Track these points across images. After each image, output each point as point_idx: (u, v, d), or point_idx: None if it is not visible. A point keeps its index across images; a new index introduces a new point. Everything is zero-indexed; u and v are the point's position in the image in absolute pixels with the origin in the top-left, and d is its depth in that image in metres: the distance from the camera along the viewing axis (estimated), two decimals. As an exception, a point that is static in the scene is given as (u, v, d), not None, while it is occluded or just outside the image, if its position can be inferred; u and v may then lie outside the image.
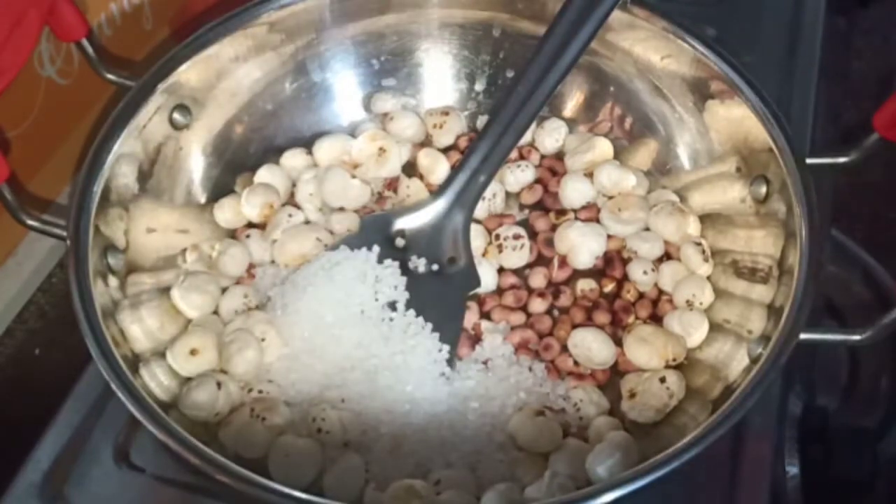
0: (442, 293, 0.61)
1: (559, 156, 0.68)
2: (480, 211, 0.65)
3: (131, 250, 0.59)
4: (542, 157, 0.69)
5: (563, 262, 0.63)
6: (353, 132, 0.69)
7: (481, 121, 0.70)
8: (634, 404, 0.56)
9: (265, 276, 0.62)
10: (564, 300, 0.62)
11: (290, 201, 0.66)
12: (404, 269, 0.61)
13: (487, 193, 0.65)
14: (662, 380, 0.56)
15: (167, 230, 0.62)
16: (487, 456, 0.55)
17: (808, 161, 0.57)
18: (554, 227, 0.65)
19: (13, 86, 0.53)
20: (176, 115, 0.62)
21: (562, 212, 0.65)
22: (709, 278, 0.61)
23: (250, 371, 0.57)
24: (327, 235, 0.64)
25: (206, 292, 0.60)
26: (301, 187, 0.66)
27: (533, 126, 0.67)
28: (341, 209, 0.65)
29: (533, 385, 0.58)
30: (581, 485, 0.52)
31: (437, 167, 0.67)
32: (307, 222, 0.65)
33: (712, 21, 0.68)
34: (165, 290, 0.60)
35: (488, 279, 0.62)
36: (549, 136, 0.68)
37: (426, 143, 0.70)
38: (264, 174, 0.66)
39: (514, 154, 0.67)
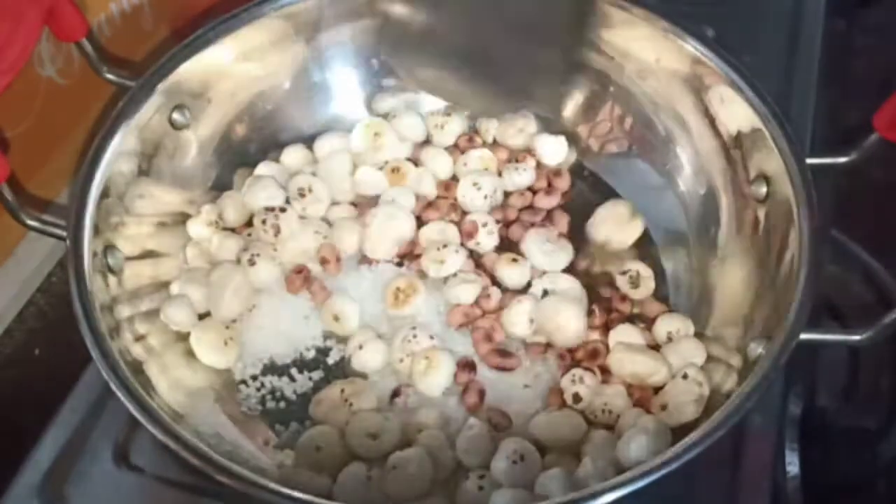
0: None
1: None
2: (484, 206, 0.66)
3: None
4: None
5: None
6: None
7: (481, 122, 0.71)
8: (671, 412, 0.55)
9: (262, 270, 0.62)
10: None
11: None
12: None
13: (488, 190, 0.66)
14: (685, 377, 0.56)
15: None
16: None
17: (808, 161, 0.57)
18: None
19: (13, 86, 0.53)
20: (175, 115, 0.62)
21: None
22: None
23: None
24: (325, 227, 0.64)
25: (205, 285, 0.60)
26: (299, 180, 0.65)
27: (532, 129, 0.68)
28: (337, 203, 0.66)
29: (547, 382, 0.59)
30: (618, 471, 0.51)
31: (437, 163, 0.68)
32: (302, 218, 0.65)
33: (712, 21, 0.68)
34: (164, 286, 0.60)
35: (468, 294, 0.62)
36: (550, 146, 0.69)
37: (427, 142, 0.70)
38: (263, 169, 0.66)
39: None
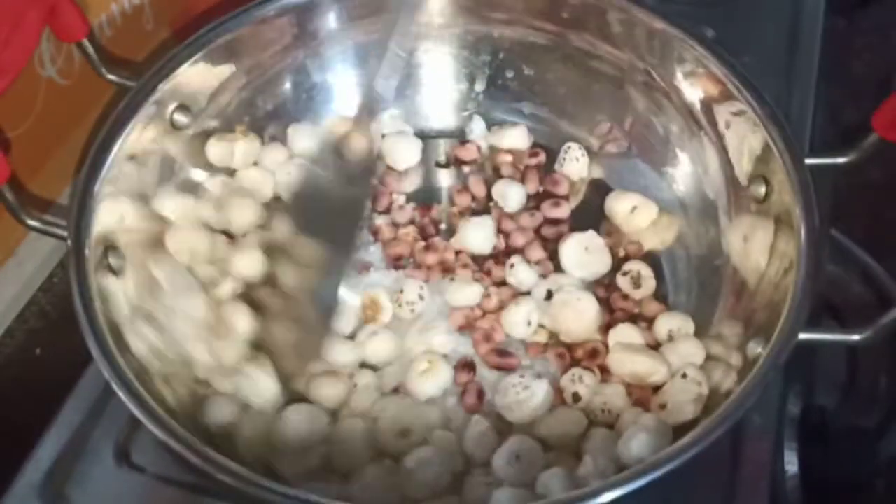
0: None
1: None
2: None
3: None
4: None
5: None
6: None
7: (478, 121, 0.71)
8: (670, 411, 0.55)
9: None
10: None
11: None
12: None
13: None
14: (684, 376, 0.56)
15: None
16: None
17: (808, 161, 0.57)
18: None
19: (14, 86, 0.53)
20: (177, 116, 0.62)
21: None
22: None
23: None
24: None
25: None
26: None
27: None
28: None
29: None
30: (619, 469, 0.51)
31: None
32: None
33: (711, 21, 0.68)
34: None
35: (473, 294, 0.62)
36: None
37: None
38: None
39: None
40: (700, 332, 0.60)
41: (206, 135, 0.65)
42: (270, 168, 0.66)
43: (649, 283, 0.63)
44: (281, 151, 0.67)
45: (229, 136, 0.65)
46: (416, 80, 0.71)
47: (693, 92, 0.63)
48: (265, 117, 0.68)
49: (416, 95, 0.71)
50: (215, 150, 0.65)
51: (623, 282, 0.63)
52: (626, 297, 0.63)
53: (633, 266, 0.64)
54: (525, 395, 0.57)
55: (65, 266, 0.55)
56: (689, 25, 0.62)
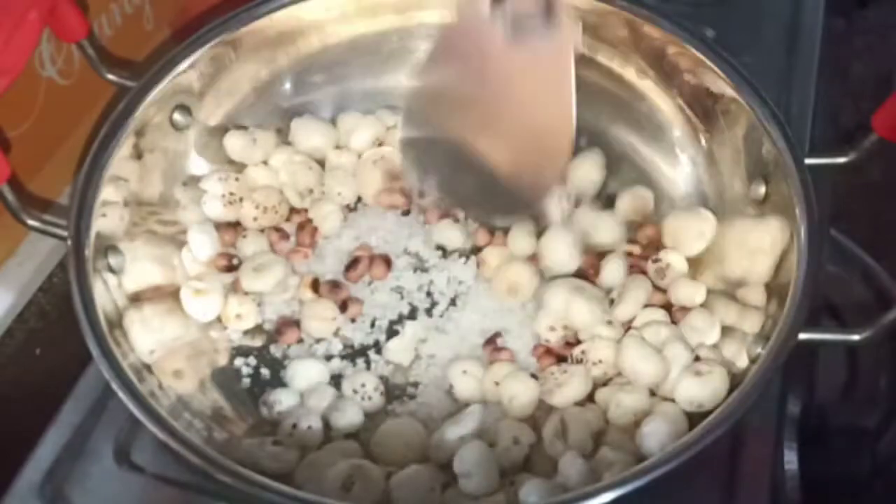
0: None
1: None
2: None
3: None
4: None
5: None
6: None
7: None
8: None
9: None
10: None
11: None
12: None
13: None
14: (697, 359, 0.56)
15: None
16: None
17: (808, 161, 0.57)
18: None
19: (14, 86, 0.53)
20: (176, 116, 0.62)
21: None
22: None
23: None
24: None
25: None
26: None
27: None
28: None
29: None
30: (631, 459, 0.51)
31: None
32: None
33: (711, 22, 0.68)
34: (167, 291, 0.60)
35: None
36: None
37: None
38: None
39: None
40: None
41: (208, 134, 0.65)
42: (275, 167, 0.67)
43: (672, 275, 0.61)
44: (284, 150, 0.67)
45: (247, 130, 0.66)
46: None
47: (693, 92, 0.63)
48: (265, 118, 0.68)
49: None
50: (236, 143, 0.65)
51: (652, 270, 0.62)
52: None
53: (665, 256, 0.62)
54: (563, 378, 0.57)
55: (65, 266, 0.55)
56: (689, 25, 0.62)
